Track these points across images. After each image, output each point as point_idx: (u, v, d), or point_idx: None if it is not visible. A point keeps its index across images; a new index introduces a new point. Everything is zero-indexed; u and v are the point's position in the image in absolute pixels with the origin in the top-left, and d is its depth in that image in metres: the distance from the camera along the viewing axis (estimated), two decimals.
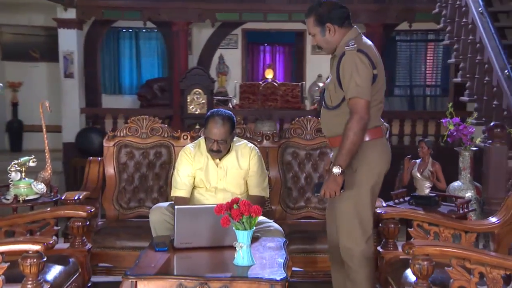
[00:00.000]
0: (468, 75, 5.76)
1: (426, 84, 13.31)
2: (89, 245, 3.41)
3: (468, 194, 4.32)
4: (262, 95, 12.67)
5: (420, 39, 13.18)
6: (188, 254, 3.07)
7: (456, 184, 4.40)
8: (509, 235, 3.16)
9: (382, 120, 3.22)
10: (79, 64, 9.33)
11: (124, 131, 4.28)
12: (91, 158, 4.30)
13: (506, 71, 4.88)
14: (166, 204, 3.72)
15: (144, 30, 12.73)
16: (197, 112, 9.39)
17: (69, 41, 9.23)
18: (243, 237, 2.86)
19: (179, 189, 3.64)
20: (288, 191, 4.21)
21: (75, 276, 3.20)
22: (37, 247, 2.68)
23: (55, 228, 3.35)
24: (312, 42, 3.29)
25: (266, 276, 2.74)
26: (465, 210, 3.64)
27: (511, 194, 3.28)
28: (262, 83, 13.05)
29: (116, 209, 4.17)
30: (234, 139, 3.71)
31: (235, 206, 2.87)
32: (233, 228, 2.87)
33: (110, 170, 4.24)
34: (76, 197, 3.69)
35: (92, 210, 3.38)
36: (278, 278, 2.71)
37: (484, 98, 5.30)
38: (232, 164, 3.67)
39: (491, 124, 4.22)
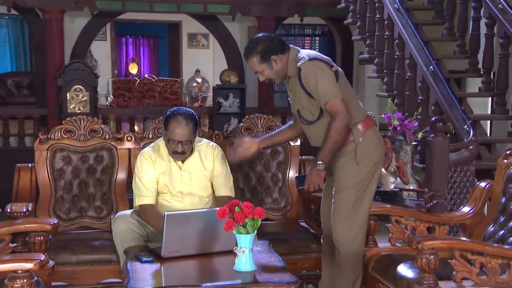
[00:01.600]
0: (385, 71, 6.19)
1: None
2: (51, 262, 3.24)
3: (391, 187, 4.64)
4: (138, 92, 12.50)
5: (299, 33, 13.74)
6: (179, 263, 3.07)
7: (391, 179, 4.72)
8: (480, 226, 3.51)
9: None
10: None
11: (59, 133, 4.09)
12: (20, 164, 4.07)
13: (431, 67, 5.33)
14: (128, 212, 3.65)
15: None
16: (78, 111, 9.05)
17: None
18: (245, 241, 2.92)
19: (145, 196, 3.58)
20: (241, 193, 4.27)
21: None
22: (29, 266, 2.54)
23: (11, 245, 3.15)
24: (260, 78, 3.48)
25: (278, 280, 2.82)
26: (431, 203, 3.96)
27: (477, 185, 3.66)
28: (138, 78, 12.86)
29: None
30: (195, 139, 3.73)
31: (236, 209, 2.90)
32: (234, 232, 2.91)
33: (44, 177, 4.04)
34: (24, 209, 3.48)
35: (56, 222, 3.22)
36: (292, 281, 2.80)
37: (407, 93, 5.73)
38: (196, 166, 3.67)
39: (433, 118, 4.61)
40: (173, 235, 3.06)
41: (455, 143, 4.76)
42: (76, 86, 9.08)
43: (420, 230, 3.53)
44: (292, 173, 4.34)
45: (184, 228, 3.08)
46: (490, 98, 6.94)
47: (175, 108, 3.70)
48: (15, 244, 3.18)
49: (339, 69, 3.38)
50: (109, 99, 11.73)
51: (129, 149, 4.15)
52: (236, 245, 2.95)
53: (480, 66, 6.42)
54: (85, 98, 9.21)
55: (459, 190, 4.66)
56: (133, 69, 16.55)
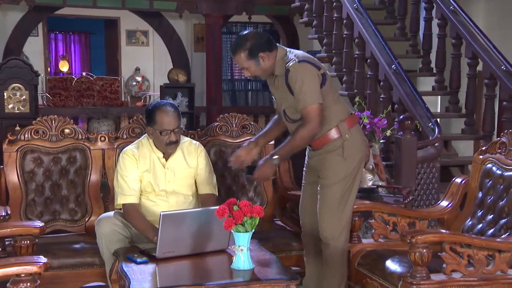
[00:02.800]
0: (344, 70, 6.40)
1: (248, 79, 14.02)
2: None
3: (370, 184, 4.84)
4: (76, 91, 12.31)
5: (239, 31, 13.85)
6: (175, 263, 3.13)
7: (368, 176, 4.91)
8: (457, 220, 3.73)
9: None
10: None
11: (29, 134, 4.05)
12: None
13: (393, 65, 5.56)
14: (111, 213, 3.67)
15: None
16: (17, 111, 8.84)
17: None
18: (243, 239, 3.01)
19: (128, 195, 3.60)
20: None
21: None
22: (34, 269, 2.54)
23: None
24: (246, 74, 3.61)
25: (279, 277, 2.92)
26: (409, 199, 4.15)
27: (453, 180, 3.88)
28: (75, 77, 12.66)
29: None
30: None
31: (235, 207, 2.99)
32: (232, 230, 2.99)
33: (14, 179, 3.99)
34: (4, 213, 3.43)
35: (43, 225, 3.21)
36: (292, 278, 2.91)
37: (368, 92, 5.95)
38: (179, 163, 3.73)
39: (401, 116, 4.82)
40: (168, 235, 3.10)
41: (420, 140, 4.99)
42: (14, 85, 8.84)
43: (401, 226, 3.71)
44: None
45: (179, 228, 3.13)
46: (439, 97, 7.31)
47: (156, 101, 3.80)
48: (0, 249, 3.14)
49: (327, 71, 3.51)
50: (44, 98, 11.50)
51: (103, 150, 4.15)
52: (231, 244, 3.03)
53: (432, 65, 6.74)
54: (24, 97, 8.97)
55: (425, 186, 4.90)
56: (64, 66, 16.23)
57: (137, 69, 13.39)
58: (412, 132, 4.74)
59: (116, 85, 12.49)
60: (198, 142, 3.89)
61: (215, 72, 9.65)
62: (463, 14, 6.16)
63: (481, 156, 3.68)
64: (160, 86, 9.84)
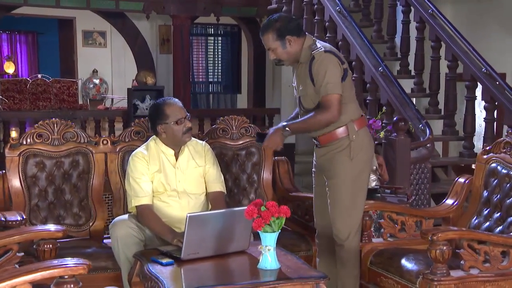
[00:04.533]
0: None
1: (209, 81, 14.12)
2: None
3: (373, 184, 5.05)
4: (31, 94, 12.18)
5: (199, 33, 13.93)
6: (200, 264, 3.21)
7: (372, 176, 5.10)
8: (462, 218, 3.93)
9: None
10: None
11: (31, 138, 4.07)
12: None
13: (380, 68, 5.78)
14: (125, 216, 3.73)
15: None
16: None
17: None
18: (270, 239, 3.13)
19: (141, 196, 3.68)
20: None
21: None
22: (78, 270, 2.61)
23: (18, 254, 3.15)
24: (270, 57, 3.76)
25: (308, 275, 3.06)
26: (412, 199, 4.35)
27: (456, 180, 4.09)
28: (31, 79, 12.51)
29: None
30: None
31: (263, 208, 3.11)
32: (261, 231, 3.11)
33: (16, 184, 4.00)
34: (19, 218, 3.46)
35: (65, 228, 3.26)
36: (322, 276, 3.06)
37: None
38: (188, 163, 3.83)
39: (395, 118, 5.04)
40: (193, 236, 3.19)
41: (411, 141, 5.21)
42: None
43: (409, 225, 3.90)
44: (266, 174, 4.58)
45: (203, 229, 3.22)
46: (414, 99, 7.58)
47: (157, 100, 3.95)
48: (22, 254, 3.17)
49: (348, 68, 3.67)
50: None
51: (106, 153, 4.20)
52: (252, 244, 3.16)
53: (410, 68, 7.00)
54: None
55: (418, 186, 5.12)
56: (9, 68, 15.93)
57: (95, 71, 13.30)
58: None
59: (74, 87, 12.43)
60: (204, 141, 4.00)
61: (183, 74, 9.72)
62: (442, 17, 6.44)
63: (485, 156, 3.89)
64: (128, 88, 9.83)
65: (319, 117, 3.55)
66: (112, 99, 11.79)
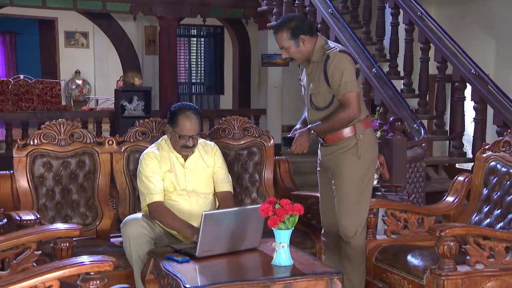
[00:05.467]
0: None
1: (192, 82, 14.17)
2: None
3: (374, 183, 5.17)
4: (13, 95, 12.12)
5: (183, 34, 13.97)
6: (215, 261, 3.28)
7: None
8: (462, 215, 4.06)
9: None
10: None
11: (38, 139, 4.11)
12: None
13: (373, 69, 5.91)
14: (139, 215, 3.79)
15: None
16: None
17: None
18: (284, 236, 3.22)
19: (154, 194, 3.75)
20: None
21: None
22: (105, 266, 2.67)
23: (36, 252, 3.20)
24: (283, 55, 3.87)
25: (322, 271, 3.16)
26: (412, 197, 4.48)
27: (456, 178, 4.22)
28: (13, 80, 12.44)
29: None
30: None
31: (277, 206, 3.20)
32: (275, 228, 3.20)
33: (24, 185, 4.04)
34: (33, 217, 3.51)
35: (81, 227, 3.32)
36: (335, 272, 3.16)
37: None
38: (198, 163, 3.91)
39: (391, 118, 5.16)
40: (208, 234, 3.27)
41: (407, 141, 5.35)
42: None
43: (411, 222, 4.02)
44: (268, 174, 4.67)
45: (218, 227, 3.30)
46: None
47: (180, 103, 3.93)
48: (40, 252, 3.23)
49: (359, 69, 3.79)
50: None
51: (111, 154, 4.26)
52: (263, 242, 3.25)
53: (399, 69, 7.15)
54: None
55: (413, 184, 5.26)
56: None
57: (77, 72, 13.28)
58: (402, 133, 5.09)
59: (57, 88, 12.37)
60: (212, 142, 4.08)
61: (170, 75, 9.77)
62: (431, 20, 6.59)
63: (484, 155, 4.02)
64: (115, 89, 9.85)
65: (341, 115, 3.65)
66: (97, 100, 11.78)
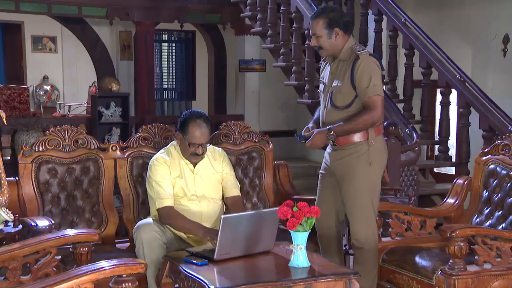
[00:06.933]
0: (306, 78, 6.88)
1: (163, 88, 14.17)
2: None
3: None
4: None
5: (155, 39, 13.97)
6: (233, 264, 3.39)
7: None
8: (462, 217, 4.26)
9: None
10: None
11: (43, 145, 4.17)
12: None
13: None
14: (150, 220, 3.88)
15: None
16: None
17: None
18: (302, 238, 3.36)
19: (165, 198, 3.85)
20: None
21: None
22: (138, 269, 2.77)
23: (57, 257, 3.29)
24: (312, 42, 3.97)
25: (341, 272, 3.31)
26: (413, 199, 4.66)
27: (455, 181, 4.42)
28: None
29: None
30: None
31: (295, 208, 3.34)
32: (293, 230, 3.34)
33: (30, 191, 4.10)
34: (49, 222, 3.59)
35: (100, 232, 3.41)
36: (353, 272, 3.31)
37: None
38: (207, 169, 4.03)
39: (385, 123, 5.34)
40: (226, 237, 3.38)
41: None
42: None
43: (414, 224, 4.20)
44: (267, 178, 4.80)
45: (236, 230, 3.41)
46: None
47: (190, 111, 4.04)
48: (60, 257, 3.30)
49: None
50: None
51: (115, 159, 4.34)
52: (277, 245, 3.38)
53: (383, 74, 7.36)
54: None
55: (406, 188, 5.45)
56: None
57: (45, 78, 13.17)
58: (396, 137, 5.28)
59: (25, 94, 12.26)
60: (220, 149, 4.20)
61: (148, 80, 9.84)
62: (416, 26, 6.83)
63: (483, 158, 4.23)
64: (92, 95, 9.86)
65: (365, 117, 3.77)
66: (69, 107, 11.72)
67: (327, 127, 3.86)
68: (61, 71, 13.07)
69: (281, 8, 7.32)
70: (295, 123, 10.15)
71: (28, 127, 9.17)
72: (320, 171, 4.17)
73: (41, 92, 13.21)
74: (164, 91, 14.20)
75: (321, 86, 4.05)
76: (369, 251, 3.89)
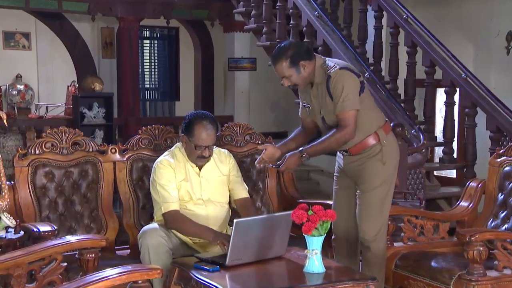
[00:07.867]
0: None
1: (145, 87, 14.18)
2: None
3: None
4: None
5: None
6: (245, 269, 3.47)
7: None
8: (477, 221, 4.37)
9: None
10: None
11: (40, 148, 4.22)
12: None
13: (366, 73, 6.21)
14: (155, 225, 3.94)
15: None
16: None
17: None
18: (317, 243, 3.44)
19: (170, 202, 3.92)
20: None
21: None
22: (154, 275, 2.85)
23: (62, 264, 3.34)
24: (285, 84, 4.06)
25: (359, 277, 3.41)
26: (423, 203, 4.78)
27: (468, 184, 4.54)
28: None
29: None
30: None
31: (310, 212, 3.43)
32: (308, 235, 3.43)
33: (26, 196, 4.15)
34: (51, 228, 3.64)
35: (107, 238, 3.47)
36: (372, 278, 3.41)
37: None
38: (213, 172, 4.11)
39: (392, 124, 5.44)
40: (238, 242, 3.46)
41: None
42: None
43: (427, 228, 4.31)
44: (271, 182, 4.88)
45: (248, 235, 3.49)
46: None
47: (195, 112, 4.10)
48: (66, 264, 3.36)
49: (365, 80, 4.05)
50: None
51: (114, 162, 4.40)
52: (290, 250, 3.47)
53: (383, 73, 7.49)
54: None
55: (413, 190, 5.57)
56: None
57: (18, 76, 13.11)
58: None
59: None
60: (226, 150, 4.28)
61: (132, 80, 9.87)
62: (418, 23, 6.95)
63: (498, 160, 4.35)
64: (74, 95, 9.85)
65: (338, 136, 3.89)
66: (47, 107, 11.69)
67: (299, 149, 4.00)
68: (36, 70, 12.99)
69: (277, 4, 7.41)
70: (286, 125, 10.24)
71: (6, 129, 9.17)
72: (335, 174, 4.27)
73: (14, 92, 13.12)
74: (146, 91, 14.19)
75: (307, 110, 4.16)
76: (377, 252, 4.00)
